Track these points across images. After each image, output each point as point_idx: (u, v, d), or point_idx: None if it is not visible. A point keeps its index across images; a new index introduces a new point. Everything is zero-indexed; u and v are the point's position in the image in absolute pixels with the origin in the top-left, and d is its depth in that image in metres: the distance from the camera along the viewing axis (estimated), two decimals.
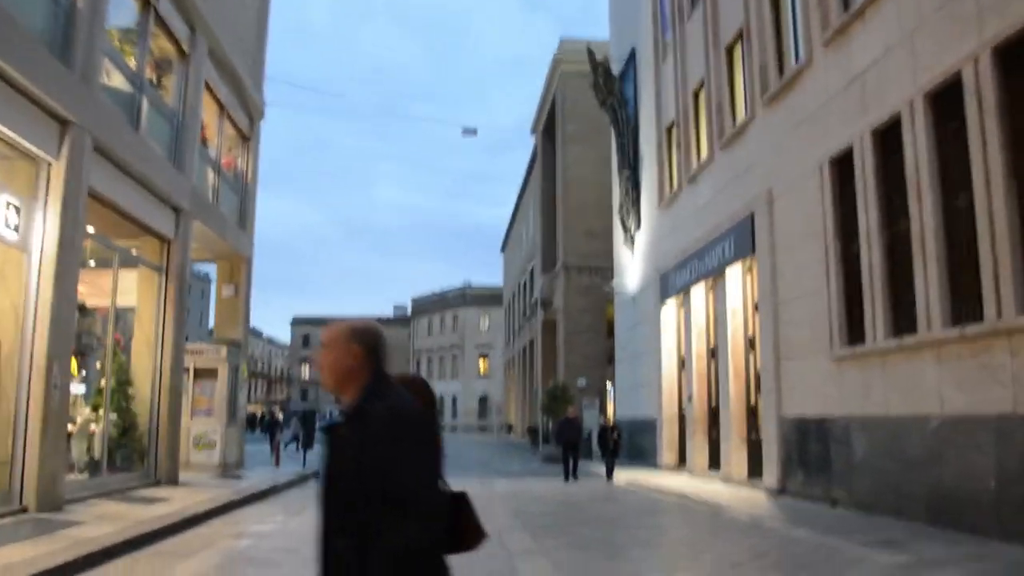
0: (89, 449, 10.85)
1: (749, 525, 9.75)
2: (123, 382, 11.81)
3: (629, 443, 20.82)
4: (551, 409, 26.86)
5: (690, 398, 17.81)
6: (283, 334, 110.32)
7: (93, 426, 10.89)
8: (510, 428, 55.94)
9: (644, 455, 20.68)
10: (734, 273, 15.59)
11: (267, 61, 17.65)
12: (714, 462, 16.90)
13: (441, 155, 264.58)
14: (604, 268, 31.57)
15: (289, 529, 9.40)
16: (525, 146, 49.77)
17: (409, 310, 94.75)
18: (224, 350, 15.59)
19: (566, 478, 16.61)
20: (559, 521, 10.13)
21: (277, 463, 18.12)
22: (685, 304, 18.38)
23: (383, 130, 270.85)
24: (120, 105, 10.91)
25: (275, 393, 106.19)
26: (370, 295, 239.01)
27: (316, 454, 22.58)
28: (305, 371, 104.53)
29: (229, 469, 15.57)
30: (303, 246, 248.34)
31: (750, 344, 15.39)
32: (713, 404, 17.45)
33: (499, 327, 72.58)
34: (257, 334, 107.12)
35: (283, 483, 14.39)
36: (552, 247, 36.82)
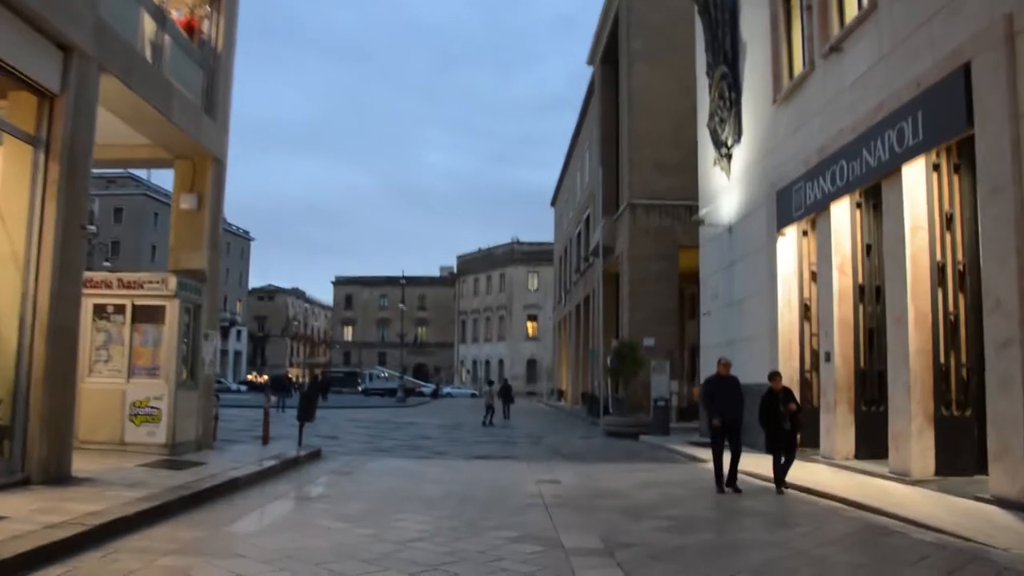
0: None
1: None
2: None
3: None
4: (619, 371, 21.99)
5: (828, 357, 12.72)
6: (327, 297, 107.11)
7: None
8: (560, 394, 51.58)
9: (747, 433, 15.66)
10: (914, 171, 10.46)
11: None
12: (866, 448, 11.94)
13: (488, 118, 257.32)
14: (677, 207, 26.85)
15: None
16: (575, 107, 44.02)
17: (455, 268, 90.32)
18: (173, 281, 10.98)
19: (720, 484, 9.80)
20: (698, 571, 5.31)
21: (265, 440, 13.67)
22: (820, 228, 13.21)
23: (430, 93, 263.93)
24: None
25: (317, 355, 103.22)
26: (417, 258, 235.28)
27: (321, 426, 17.95)
28: (348, 333, 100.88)
29: (182, 450, 11.09)
30: (349, 209, 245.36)
31: (939, 275, 10.30)
32: (862, 364, 12.41)
33: (548, 288, 68.16)
34: (300, 294, 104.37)
35: (249, 474, 9.79)
36: (614, 186, 31.75)
